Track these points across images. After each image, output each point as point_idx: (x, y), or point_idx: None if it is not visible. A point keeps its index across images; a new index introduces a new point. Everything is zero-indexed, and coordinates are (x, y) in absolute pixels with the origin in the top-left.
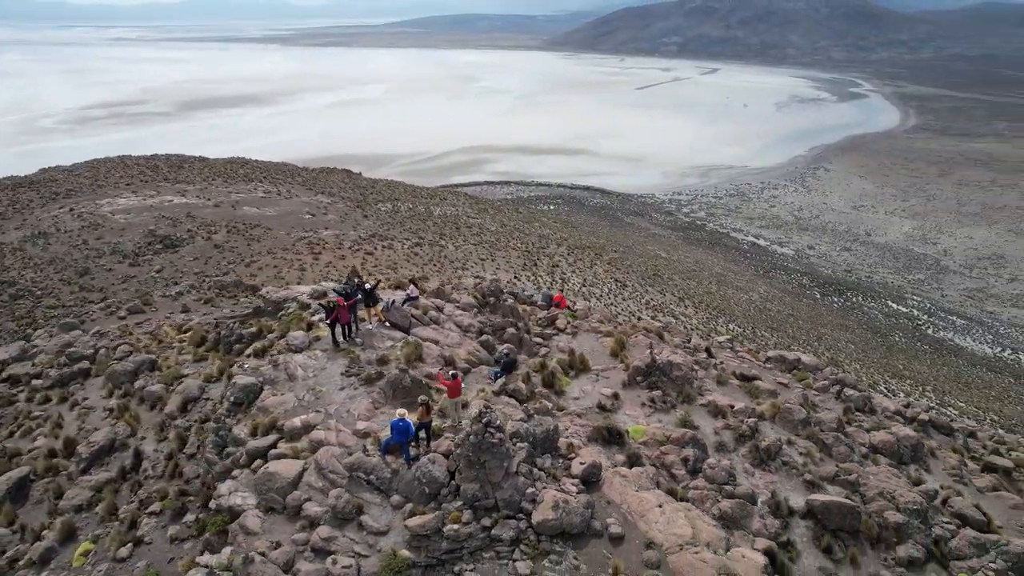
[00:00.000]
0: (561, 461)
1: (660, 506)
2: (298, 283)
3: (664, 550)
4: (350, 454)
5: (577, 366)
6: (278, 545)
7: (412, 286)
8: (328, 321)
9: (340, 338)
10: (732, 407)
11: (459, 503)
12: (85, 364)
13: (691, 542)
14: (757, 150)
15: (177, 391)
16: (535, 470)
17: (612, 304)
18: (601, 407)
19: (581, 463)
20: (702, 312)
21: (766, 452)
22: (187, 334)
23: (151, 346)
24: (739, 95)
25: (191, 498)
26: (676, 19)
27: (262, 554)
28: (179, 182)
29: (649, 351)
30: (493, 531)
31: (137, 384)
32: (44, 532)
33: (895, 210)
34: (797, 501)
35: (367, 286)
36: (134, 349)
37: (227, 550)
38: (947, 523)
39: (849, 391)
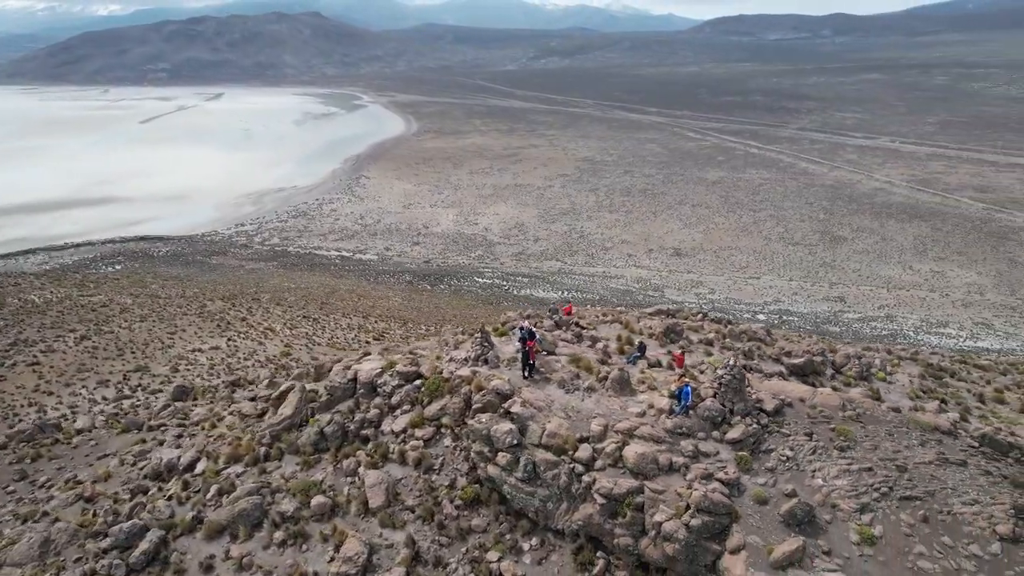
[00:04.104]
0: None
1: (784, 383)
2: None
3: (812, 397)
4: (652, 427)
5: (632, 343)
6: (691, 485)
7: (525, 322)
8: (531, 362)
9: (527, 371)
10: (711, 338)
11: (737, 417)
12: (153, 537)
13: (815, 392)
14: (297, 169)
15: (369, 486)
16: None
17: (356, 338)
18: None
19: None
20: (410, 322)
21: (750, 353)
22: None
23: (188, 493)
24: (253, 118)
25: (508, 535)
26: (156, 44)
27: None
28: None
29: (662, 320)
30: (760, 423)
31: (280, 510)
32: None
33: (436, 202)
34: (781, 369)
35: (532, 328)
36: (180, 498)
37: (661, 505)
38: (851, 356)
39: (715, 315)
